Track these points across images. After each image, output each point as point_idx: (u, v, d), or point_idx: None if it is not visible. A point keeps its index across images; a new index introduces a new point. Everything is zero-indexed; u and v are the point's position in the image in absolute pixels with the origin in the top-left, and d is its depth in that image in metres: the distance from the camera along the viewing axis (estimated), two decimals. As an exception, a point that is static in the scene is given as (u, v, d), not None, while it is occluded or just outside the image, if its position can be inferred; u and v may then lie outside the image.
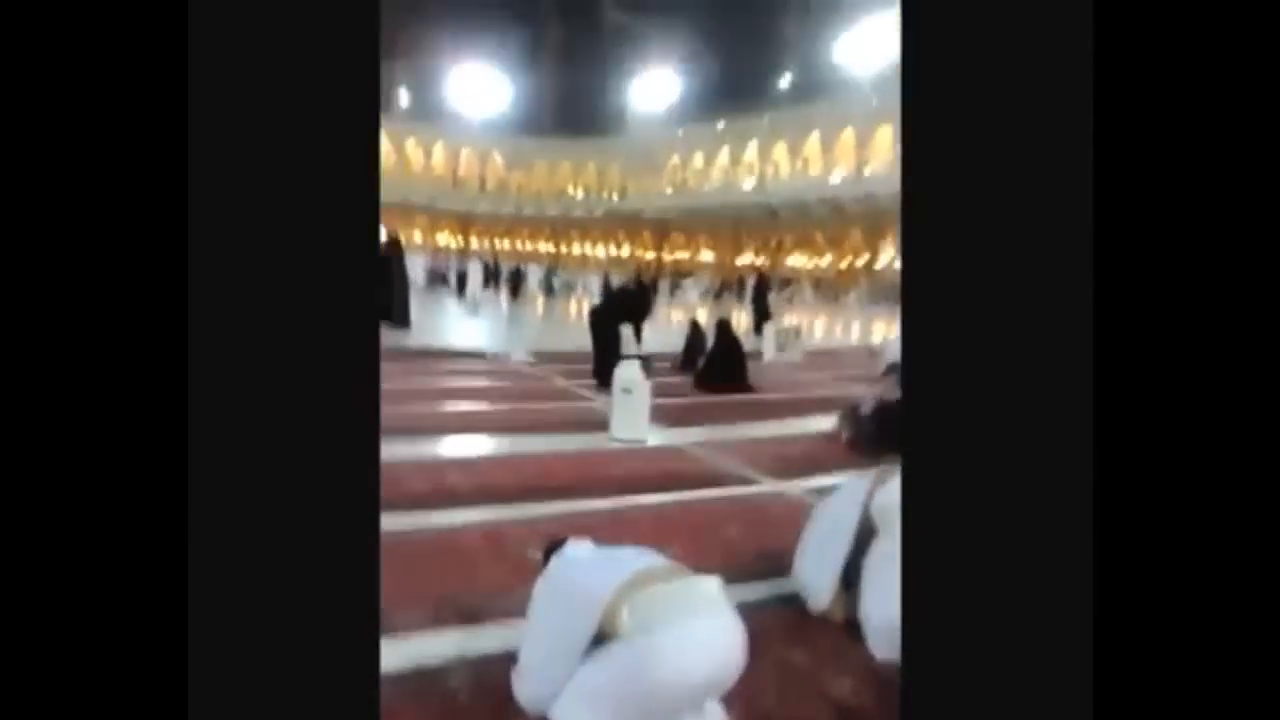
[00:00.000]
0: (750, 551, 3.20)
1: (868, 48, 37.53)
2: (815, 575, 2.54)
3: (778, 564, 2.99)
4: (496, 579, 2.74)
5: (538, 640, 1.88)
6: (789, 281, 34.95)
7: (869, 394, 5.59)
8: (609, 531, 3.28)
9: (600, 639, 1.72)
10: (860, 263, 37.09)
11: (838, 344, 13.62)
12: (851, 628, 2.37)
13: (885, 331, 16.48)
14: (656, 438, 5.34)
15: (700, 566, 1.95)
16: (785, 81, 44.65)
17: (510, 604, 2.31)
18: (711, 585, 1.82)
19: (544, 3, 49.41)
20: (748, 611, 1.88)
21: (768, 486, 4.31)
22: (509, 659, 1.97)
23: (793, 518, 3.65)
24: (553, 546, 2.09)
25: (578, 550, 2.03)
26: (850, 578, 2.45)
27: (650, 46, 46.73)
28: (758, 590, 2.74)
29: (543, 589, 1.93)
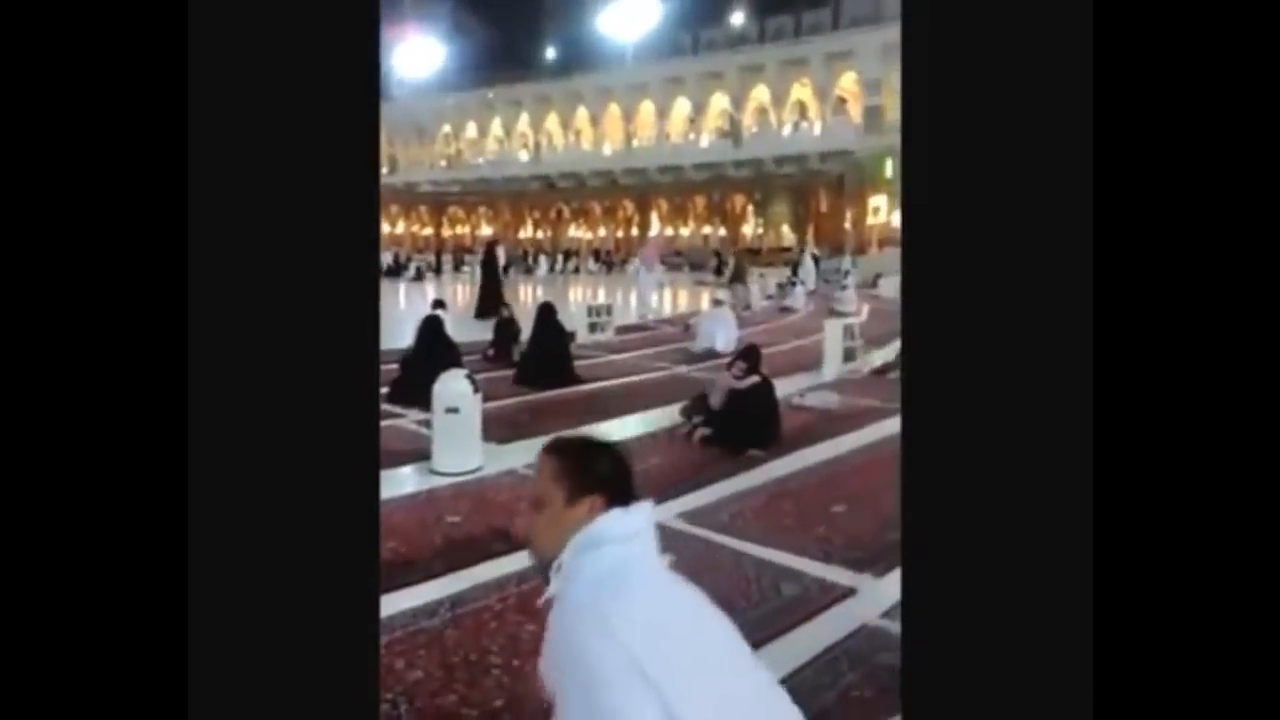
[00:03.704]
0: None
1: (628, 20, 37.62)
2: None
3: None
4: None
5: None
6: (572, 254, 34.56)
7: (718, 385, 5.12)
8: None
9: None
10: (634, 233, 37.49)
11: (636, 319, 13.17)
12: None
13: (657, 299, 16.14)
14: (490, 463, 4.47)
15: None
16: (551, 53, 43.77)
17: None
18: None
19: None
20: None
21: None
22: None
23: (714, 568, 2.95)
24: None
25: None
26: None
27: (407, 11, 43.38)
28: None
29: None
